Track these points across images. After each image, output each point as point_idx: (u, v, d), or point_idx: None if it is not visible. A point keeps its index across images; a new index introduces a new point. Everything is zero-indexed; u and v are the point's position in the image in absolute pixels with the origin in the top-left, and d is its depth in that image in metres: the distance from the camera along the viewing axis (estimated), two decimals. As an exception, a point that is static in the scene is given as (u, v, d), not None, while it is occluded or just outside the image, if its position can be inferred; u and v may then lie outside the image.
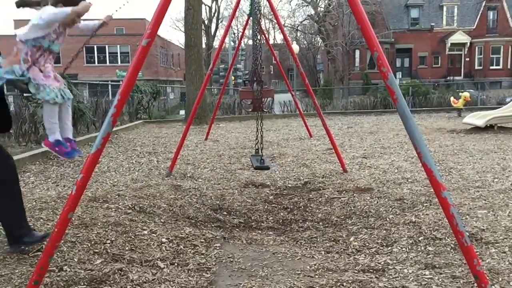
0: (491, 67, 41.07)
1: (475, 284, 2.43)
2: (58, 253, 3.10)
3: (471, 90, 22.91)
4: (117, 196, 4.78)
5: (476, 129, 9.90)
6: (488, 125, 9.84)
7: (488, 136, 9.12)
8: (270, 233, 4.13)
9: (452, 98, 15.19)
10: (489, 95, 22.00)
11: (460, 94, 15.17)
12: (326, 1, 36.64)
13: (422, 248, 3.37)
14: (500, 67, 41.14)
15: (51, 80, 3.33)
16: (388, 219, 4.12)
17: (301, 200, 5.03)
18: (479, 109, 15.09)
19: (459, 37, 41.31)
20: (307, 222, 4.33)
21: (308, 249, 3.64)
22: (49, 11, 3.19)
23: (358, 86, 34.64)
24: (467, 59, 42.05)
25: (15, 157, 6.51)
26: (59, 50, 3.43)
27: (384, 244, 3.54)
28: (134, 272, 2.96)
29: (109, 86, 18.19)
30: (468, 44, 41.55)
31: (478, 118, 10.15)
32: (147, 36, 2.47)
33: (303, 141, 9.37)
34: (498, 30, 41.02)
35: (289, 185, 5.66)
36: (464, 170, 5.87)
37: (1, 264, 2.97)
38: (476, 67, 41.69)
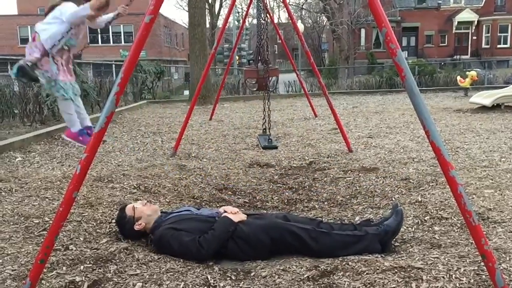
0: (499, 46, 40.52)
1: (482, 263, 2.41)
2: (63, 232, 3.11)
3: (478, 69, 22.64)
4: (122, 176, 4.78)
5: (483, 109, 9.81)
6: (495, 104, 9.73)
7: (495, 115, 9.04)
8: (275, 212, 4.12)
9: (458, 77, 15.02)
10: (496, 74, 21.74)
11: (467, 73, 15.00)
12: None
13: (428, 227, 3.36)
14: (508, 45, 40.58)
15: (62, 74, 3.29)
16: (393, 199, 4.10)
17: (306, 180, 5.02)
18: (486, 88, 14.93)
19: (467, 15, 40.67)
20: (312, 202, 4.33)
21: (313, 228, 3.62)
22: (69, 10, 3.14)
23: (364, 65, 34.35)
24: (474, 37, 41.48)
25: (20, 137, 6.52)
26: (75, 44, 3.40)
27: (390, 224, 3.52)
28: (139, 251, 2.97)
29: (113, 66, 18.06)
30: (476, 22, 40.93)
31: (485, 97, 10.04)
32: (150, 12, 2.42)
33: (308, 121, 9.32)
34: (506, 8, 40.34)
35: (294, 165, 5.64)
36: (470, 149, 5.82)
37: (7, 243, 2.98)
38: (484, 46, 41.15)
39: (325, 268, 2.68)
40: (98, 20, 3.45)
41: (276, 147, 5.41)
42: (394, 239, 3.16)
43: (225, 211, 3.20)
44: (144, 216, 3.17)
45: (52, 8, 3.29)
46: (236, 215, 3.14)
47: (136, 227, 3.16)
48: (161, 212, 3.32)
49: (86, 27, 3.38)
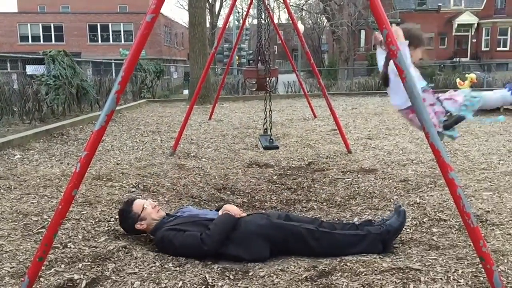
0: (498, 49, 40.62)
1: (480, 265, 2.42)
2: (62, 230, 3.11)
3: (478, 72, 22.64)
4: (121, 175, 4.78)
5: (482, 111, 9.78)
6: (494, 107, 9.74)
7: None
8: (274, 212, 4.12)
9: (458, 80, 14.91)
10: (495, 77, 21.74)
11: (466, 75, 14.91)
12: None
13: (427, 229, 3.36)
14: (507, 48, 40.69)
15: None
16: (392, 200, 4.11)
17: (305, 180, 5.02)
18: (485, 91, 14.92)
19: (467, 17, 40.76)
20: (311, 203, 4.33)
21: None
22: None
23: (363, 67, 34.42)
24: (474, 40, 41.59)
25: (19, 135, 6.52)
26: None
27: (388, 225, 3.52)
28: (138, 249, 2.97)
29: (113, 64, 18.09)
30: (476, 25, 41.04)
31: (484, 100, 10.04)
32: (152, 11, 2.42)
33: (307, 121, 9.32)
34: (506, 11, 40.46)
35: (293, 166, 5.64)
36: (469, 152, 5.83)
37: (6, 240, 2.98)
38: (483, 49, 41.25)
39: (323, 268, 2.69)
40: None
41: (277, 147, 5.42)
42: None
43: (226, 210, 3.20)
44: (149, 219, 3.16)
45: None
46: (236, 213, 3.16)
47: (137, 226, 3.15)
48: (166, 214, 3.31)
49: None
